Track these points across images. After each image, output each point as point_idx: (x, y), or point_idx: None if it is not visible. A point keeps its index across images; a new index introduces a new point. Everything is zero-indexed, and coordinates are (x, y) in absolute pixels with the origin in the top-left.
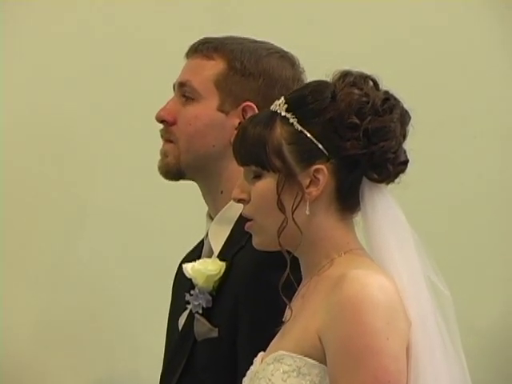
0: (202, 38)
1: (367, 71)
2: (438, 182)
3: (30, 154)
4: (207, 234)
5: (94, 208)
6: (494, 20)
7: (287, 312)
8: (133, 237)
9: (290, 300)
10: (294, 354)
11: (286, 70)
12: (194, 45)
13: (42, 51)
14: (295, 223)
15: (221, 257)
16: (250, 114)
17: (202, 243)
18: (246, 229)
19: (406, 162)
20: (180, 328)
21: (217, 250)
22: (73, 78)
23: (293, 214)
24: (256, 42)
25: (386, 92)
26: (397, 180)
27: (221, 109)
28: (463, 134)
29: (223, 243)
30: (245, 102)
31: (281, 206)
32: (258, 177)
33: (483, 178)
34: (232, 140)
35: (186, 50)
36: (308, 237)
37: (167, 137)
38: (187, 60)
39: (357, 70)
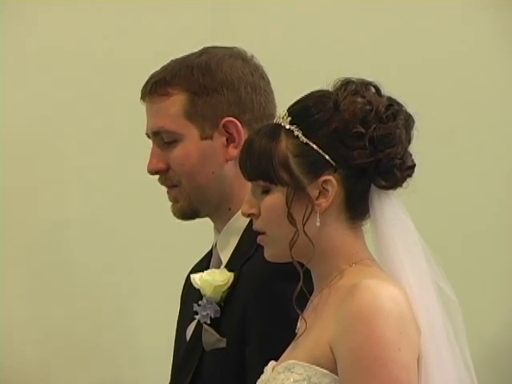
0: (148, 77)
1: (369, 75)
2: (446, 185)
3: (18, 164)
4: (215, 245)
5: (97, 214)
6: (506, 30)
7: (300, 324)
8: (140, 246)
9: (302, 311)
10: (305, 364)
11: (240, 67)
12: (145, 88)
13: (41, 52)
14: (306, 235)
15: (229, 267)
16: (231, 128)
17: (210, 253)
18: (258, 241)
19: (412, 167)
20: (188, 338)
21: (225, 260)
22: (65, 87)
23: (304, 226)
24: (200, 54)
25: (389, 98)
26: (404, 184)
27: (204, 136)
28: (470, 136)
29: (231, 253)
30: (222, 118)
31: (291, 219)
32: (266, 191)
33: (493, 181)
34: (227, 158)
35: None
36: (319, 248)
37: (169, 183)
38: (145, 104)
39: (358, 75)
